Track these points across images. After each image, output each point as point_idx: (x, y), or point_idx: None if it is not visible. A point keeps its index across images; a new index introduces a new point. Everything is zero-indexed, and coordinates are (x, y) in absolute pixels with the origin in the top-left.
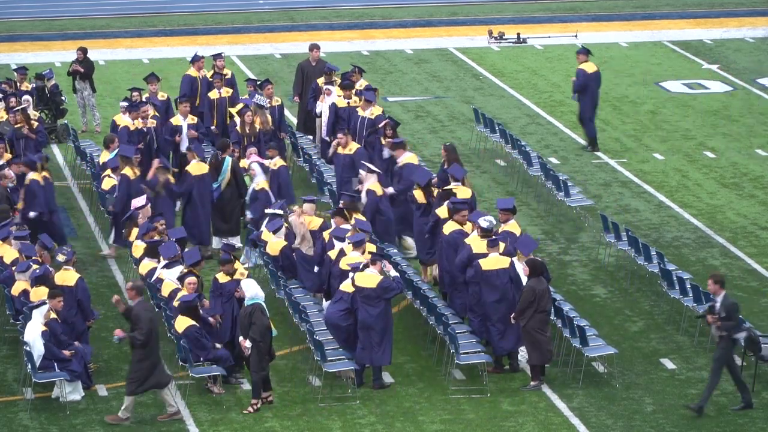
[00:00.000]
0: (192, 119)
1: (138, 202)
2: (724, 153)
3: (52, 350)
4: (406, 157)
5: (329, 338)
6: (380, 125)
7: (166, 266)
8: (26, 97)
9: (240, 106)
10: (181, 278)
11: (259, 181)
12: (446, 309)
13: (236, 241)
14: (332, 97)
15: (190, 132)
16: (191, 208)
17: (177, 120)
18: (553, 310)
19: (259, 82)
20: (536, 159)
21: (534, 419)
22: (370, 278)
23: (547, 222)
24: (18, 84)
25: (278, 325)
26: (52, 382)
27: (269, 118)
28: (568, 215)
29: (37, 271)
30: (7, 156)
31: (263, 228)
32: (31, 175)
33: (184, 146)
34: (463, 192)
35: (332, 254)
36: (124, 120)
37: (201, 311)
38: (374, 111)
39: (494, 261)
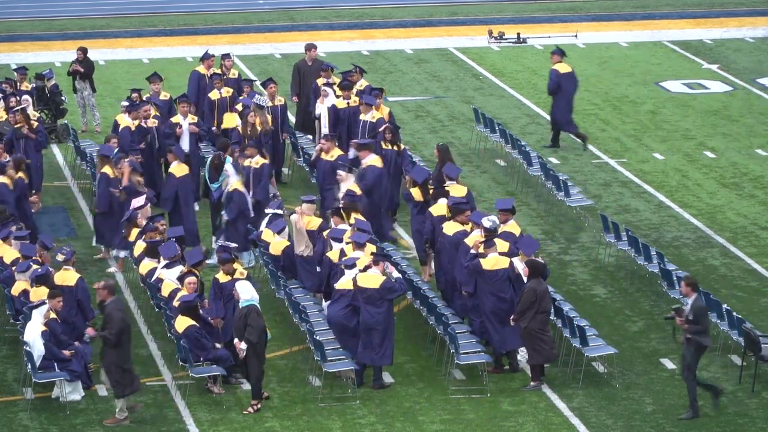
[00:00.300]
0: (192, 118)
1: (137, 202)
2: (724, 153)
3: (52, 350)
4: (371, 159)
5: (329, 338)
6: (380, 129)
7: (166, 266)
8: (26, 97)
9: (240, 106)
10: (181, 278)
11: (233, 182)
12: (446, 309)
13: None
14: (330, 99)
15: (191, 127)
16: (175, 210)
17: (177, 119)
18: (553, 310)
19: (261, 82)
20: (536, 159)
21: (534, 419)
22: (372, 279)
23: (547, 222)
24: (18, 84)
25: (278, 325)
26: (52, 382)
27: (269, 118)
28: (568, 215)
29: (39, 270)
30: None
31: (263, 228)
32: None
33: (183, 145)
34: (458, 190)
35: (331, 255)
36: (125, 120)
37: (201, 311)
38: (376, 114)
39: (494, 261)
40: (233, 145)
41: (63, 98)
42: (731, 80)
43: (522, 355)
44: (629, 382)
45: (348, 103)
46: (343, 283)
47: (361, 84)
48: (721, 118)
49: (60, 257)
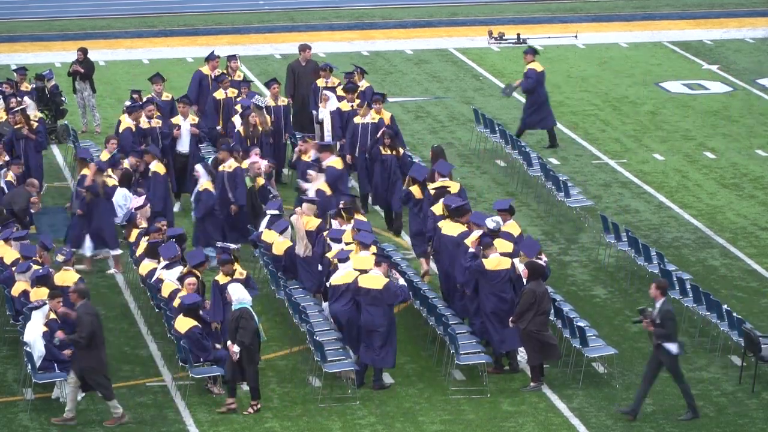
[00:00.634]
0: (193, 119)
1: (137, 202)
2: (724, 153)
3: (52, 351)
4: (331, 161)
5: (329, 338)
6: (377, 135)
7: (166, 267)
8: (28, 99)
9: (239, 107)
10: (181, 279)
11: (203, 183)
12: (446, 310)
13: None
14: (332, 103)
15: (192, 129)
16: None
17: (177, 120)
18: (553, 310)
19: (265, 82)
20: (536, 159)
21: (534, 420)
22: (375, 280)
23: (547, 222)
24: (18, 84)
25: (278, 325)
26: (52, 382)
27: (268, 118)
28: (568, 216)
29: (40, 270)
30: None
31: (263, 228)
32: None
33: (183, 145)
34: (452, 186)
35: (330, 255)
36: (126, 121)
37: (201, 312)
38: (375, 116)
39: (496, 262)
40: (234, 145)
41: (63, 99)
42: (731, 81)
43: (522, 355)
44: (629, 383)
45: (352, 106)
46: (339, 278)
47: (363, 85)
48: (721, 119)
49: (60, 258)
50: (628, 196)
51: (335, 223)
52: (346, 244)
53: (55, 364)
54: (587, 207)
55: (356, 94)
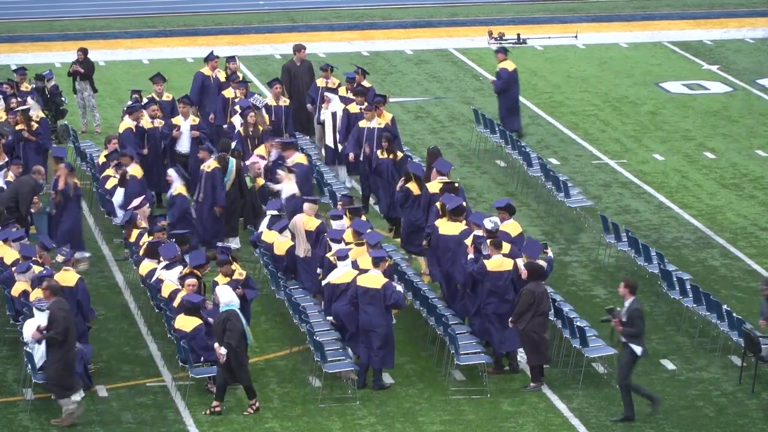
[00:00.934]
0: (194, 120)
1: (136, 202)
2: (724, 154)
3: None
4: (296, 158)
5: (329, 339)
6: (376, 138)
7: (166, 267)
8: (31, 100)
9: (238, 107)
10: (181, 279)
11: (177, 186)
12: (446, 310)
13: (234, 243)
14: (334, 105)
15: (193, 132)
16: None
17: (177, 120)
18: (553, 310)
19: (267, 82)
20: (536, 160)
21: (534, 420)
22: (374, 279)
23: (547, 223)
24: (18, 85)
25: (278, 325)
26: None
27: (266, 118)
28: (568, 216)
29: (42, 272)
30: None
31: (263, 228)
32: None
33: (183, 146)
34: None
35: (330, 256)
36: (126, 122)
37: (202, 313)
38: (381, 121)
39: (499, 262)
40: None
41: (63, 99)
42: (731, 81)
43: (522, 356)
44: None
45: (361, 109)
46: (338, 277)
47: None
48: (721, 119)
49: (60, 258)
50: (628, 196)
51: (335, 224)
52: (346, 243)
53: None
54: (587, 207)
55: (365, 97)
